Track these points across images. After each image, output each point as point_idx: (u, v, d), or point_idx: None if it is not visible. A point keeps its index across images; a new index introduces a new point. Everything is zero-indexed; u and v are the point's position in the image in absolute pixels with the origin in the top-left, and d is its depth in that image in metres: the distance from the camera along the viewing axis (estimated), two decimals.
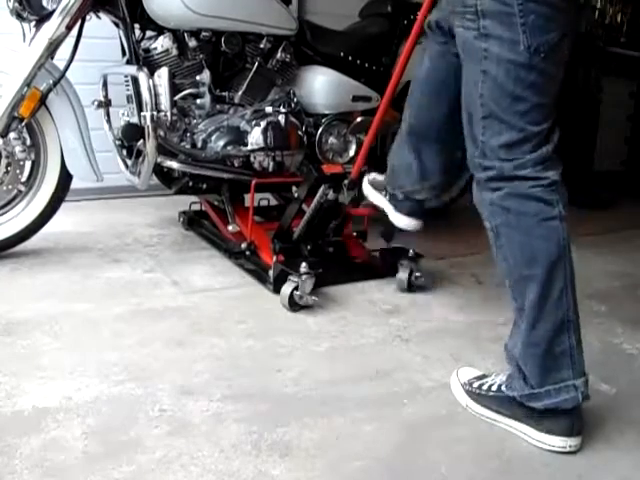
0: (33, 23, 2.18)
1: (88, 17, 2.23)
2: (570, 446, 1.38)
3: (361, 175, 2.23)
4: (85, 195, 3.08)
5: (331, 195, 2.21)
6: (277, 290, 2.04)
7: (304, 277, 1.98)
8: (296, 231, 2.27)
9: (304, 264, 2.00)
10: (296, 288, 1.98)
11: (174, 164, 2.31)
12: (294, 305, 1.99)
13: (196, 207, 2.78)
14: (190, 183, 2.40)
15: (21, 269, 2.20)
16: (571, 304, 1.37)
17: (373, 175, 2.12)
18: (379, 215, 2.10)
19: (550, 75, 1.34)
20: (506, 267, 1.41)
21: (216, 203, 2.57)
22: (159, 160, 2.27)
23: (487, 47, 1.32)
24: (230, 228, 2.39)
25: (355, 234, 2.44)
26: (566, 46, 1.35)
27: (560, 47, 1.33)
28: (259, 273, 2.23)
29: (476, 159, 1.42)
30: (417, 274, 2.21)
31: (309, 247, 2.27)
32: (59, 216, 2.35)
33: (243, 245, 2.30)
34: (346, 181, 2.21)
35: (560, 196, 1.37)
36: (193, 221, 2.76)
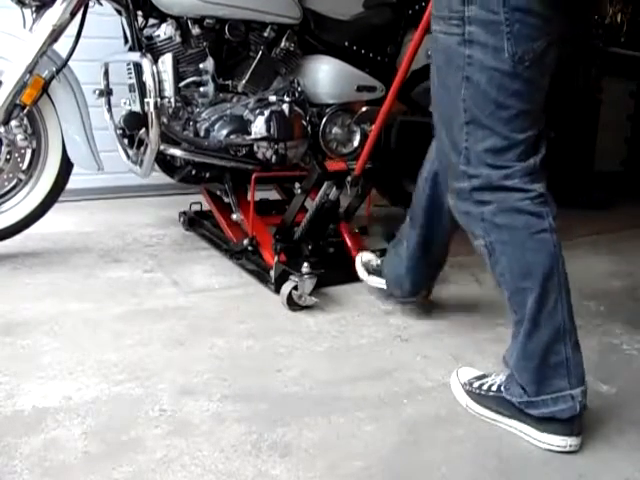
0: (34, 9, 2.16)
1: (91, 4, 2.21)
2: (570, 446, 1.38)
3: (364, 173, 2.22)
4: (85, 195, 3.08)
5: (333, 194, 2.21)
6: (279, 290, 2.04)
7: (305, 277, 1.98)
8: (297, 231, 2.27)
9: (306, 264, 2.00)
10: (295, 288, 1.98)
11: (177, 152, 2.31)
12: (293, 305, 1.99)
13: (196, 207, 2.78)
14: (193, 172, 2.39)
15: (21, 269, 2.20)
16: (566, 313, 1.37)
17: (367, 256, 2.16)
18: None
19: (535, 83, 1.34)
20: (503, 281, 1.42)
21: (218, 193, 2.57)
22: (162, 148, 2.26)
23: (471, 54, 1.32)
24: (234, 217, 2.39)
25: (357, 231, 2.44)
26: (552, 55, 1.34)
27: (545, 56, 1.32)
28: (260, 273, 2.23)
29: (460, 166, 1.40)
30: None
31: (310, 247, 2.27)
32: (59, 216, 2.35)
33: (245, 241, 2.29)
34: (349, 178, 2.20)
35: (549, 208, 1.37)
36: (193, 221, 2.76)
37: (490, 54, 1.30)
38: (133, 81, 2.31)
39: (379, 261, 2.09)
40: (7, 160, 2.21)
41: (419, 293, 1.98)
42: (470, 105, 1.35)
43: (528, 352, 1.38)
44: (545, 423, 1.39)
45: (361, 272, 2.14)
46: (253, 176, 2.29)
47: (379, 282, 2.06)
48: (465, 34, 1.32)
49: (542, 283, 1.35)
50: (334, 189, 2.20)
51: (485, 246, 1.42)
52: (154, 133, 2.20)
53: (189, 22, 2.27)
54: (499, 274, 1.42)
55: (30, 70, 2.10)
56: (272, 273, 2.11)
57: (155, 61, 2.21)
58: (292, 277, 2.01)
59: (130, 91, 2.38)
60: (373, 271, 2.10)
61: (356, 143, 2.64)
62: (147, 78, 2.18)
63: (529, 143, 1.37)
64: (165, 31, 2.26)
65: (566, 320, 1.37)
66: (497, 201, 1.37)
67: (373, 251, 2.19)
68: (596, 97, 3.80)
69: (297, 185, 2.32)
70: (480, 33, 1.30)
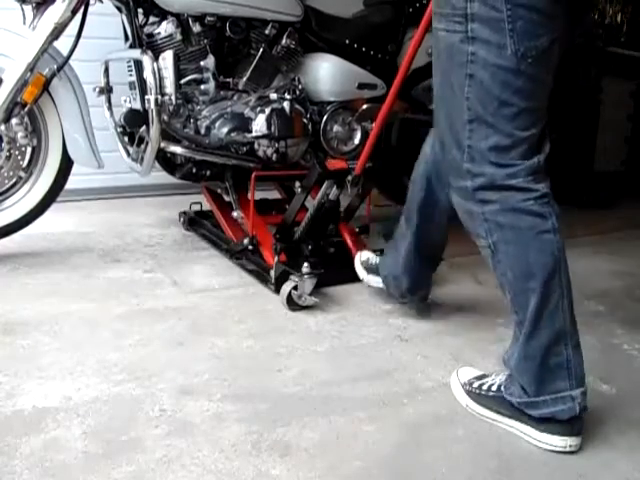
0: (33, 5, 2.15)
1: (92, 1, 2.20)
2: (570, 446, 1.38)
3: (365, 172, 2.22)
4: (85, 195, 3.08)
5: (333, 194, 2.20)
6: (279, 290, 2.04)
7: (305, 277, 1.98)
8: (297, 231, 2.27)
9: (306, 264, 2.00)
10: (295, 288, 1.98)
11: (178, 149, 2.31)
12: (293, 305, 1.99)
13: (196, 207, 2.78)
14: (193, 170, 2.39)
15: (21, 269, 2.20)
16: (567, 315, 1.36)
17: (366, 255, 2.15)
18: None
19: (538, 80, 1.33)
20: (506, 282, 1.41)
21: (219, 191, 2.56)
22: (163, 145, 2.26)
23: (474, 51, 1.31)
24: (235, 214, 2.39)
25: (358, 230, 2.44)
26: (556, 52, 1.34)
27: (549, 53, 1.32)
28: (260, 273, 2.23)
29: (464, 164, 1.39)
30: None
31: (310, 247, 2.27)
32: (59, 216, 2.35)
33: (245, 240, 2.29)
34: (350, 177, 2.20)
35: (552, 208, 1.37)
36: (193, 221, 2.76)
37: (493, 51, 1.29)
38: (134, 78, 2.31)
39: (378, 260, 2.09)
40: (7, 158, 2.21)
41: (417, 293, 1.98)
42: (474, 103, 1.34)
43: (529, 353, 1.38)
44: (545, 423, 1.39)
45: (360, 271, 2.14)
46: (253, 175, 2.28)
47: (377, 281, 2.06)
48: (468, 31, 1.31)
49: (544, 284, 1.34)
50: (334, 188, 2.20)
51: (488, 246, 1.41)
52: (155, 130, 2.20)
53: (190, 19, 2.27)
54: (501, 274, 1.41)
55: (31, 68, 2.10)
56: (272, 273, 2.11)
57: (156, 58, 2.21)
58: (292, 277, 2.01)
59: (130, 88, 2.38)
60: (372, 270, 2.09)
61: (357, 141, 2.64)
62: (148, 75, 2.18)
63: (533, 141, 1.36)
64: (166, 28, 2.26)
65: (567, 321, 1.36)
66: (500, 200, 1.36)
67: (374, 251, 2.19)
68: (596, 97, 3.80)
69: (297, 184, 2.32)
70: (483, 30, 1.29)
